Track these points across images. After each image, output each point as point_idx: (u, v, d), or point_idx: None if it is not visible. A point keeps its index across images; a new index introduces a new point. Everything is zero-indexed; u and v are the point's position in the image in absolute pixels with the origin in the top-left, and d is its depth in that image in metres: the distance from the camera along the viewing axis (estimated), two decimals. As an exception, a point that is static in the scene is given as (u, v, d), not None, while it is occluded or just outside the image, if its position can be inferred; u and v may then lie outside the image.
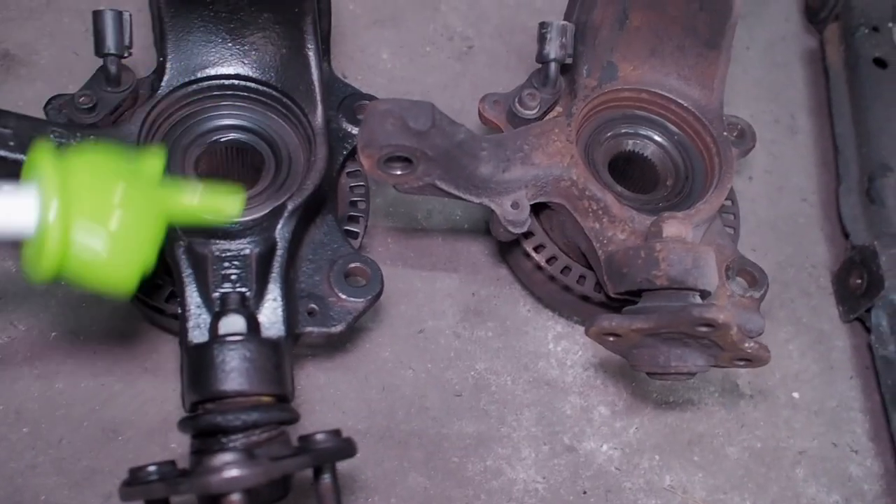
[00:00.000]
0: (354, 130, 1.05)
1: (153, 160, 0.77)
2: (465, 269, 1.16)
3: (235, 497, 0.68)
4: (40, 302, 1.03)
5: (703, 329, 0.85)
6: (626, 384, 1.12)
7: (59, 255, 0.67)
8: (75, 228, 0.67)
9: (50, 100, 0.96)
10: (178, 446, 0.97)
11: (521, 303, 1.15)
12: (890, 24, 1.41)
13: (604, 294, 1.03)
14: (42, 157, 0.68)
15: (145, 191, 0.73)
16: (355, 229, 1.02)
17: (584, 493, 1.04)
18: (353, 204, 1.04)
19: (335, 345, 1.06)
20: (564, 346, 1.13)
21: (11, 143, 0.84)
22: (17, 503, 0.92)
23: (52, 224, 0.66)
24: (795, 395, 1.16)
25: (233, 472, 0.68)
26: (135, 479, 0.75)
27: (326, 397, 1.04)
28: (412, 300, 1.12)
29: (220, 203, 0.78)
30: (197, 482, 0.69)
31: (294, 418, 0.82)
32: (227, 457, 0.69)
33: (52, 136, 0.87)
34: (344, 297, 0.93)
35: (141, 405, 0.99)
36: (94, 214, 0.68)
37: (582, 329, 1.12)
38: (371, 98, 1.08)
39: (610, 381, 1.12)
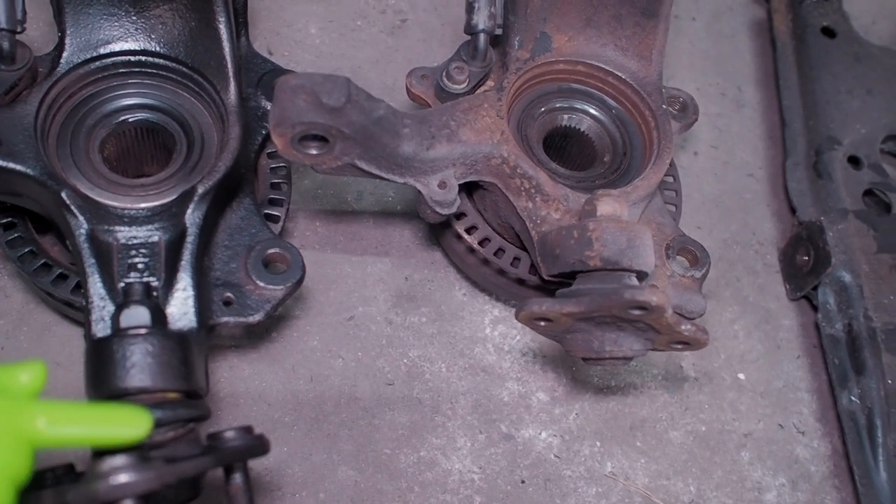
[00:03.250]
0: (274, 109, 0.99)
1: (28, 373, 0.63)
2: (397, 252, 1.11)
3: (129, 503, 0.63)
4: (-59, 296, 0.97)
5: (637, 312, 0.81)
6: (565, 369, 1.08)
7: None
8: None
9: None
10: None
11: (455, 287, 1.10)
12: (838, -7, 1.38)
13: (539, 277, 0.99)
14: None
15: (7, 413, 0.58)
16: (276, 213, 0.97)
17: (523, 482, 1.00)
18: (275, 186, 0.98)
19: (258, 335, 1.01)
20: (501, 331, 1.09)
21: None
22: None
23: None
24: (741, 376, 1.12)
25: (121, 478, 0.62)
26: (32, 484, 0.69)
27: (251, 389, 0.99)
28: (341, 286, 1.07)
29: (120, 427, 0.63)
30: (84, 489, 0.63)
31: (203, 415, 0.77)
32: (116, 460, 0.63)
33: None
34: (262, 284, 0.88)
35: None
36: None
37: (520, 313, 1.09)
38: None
39: (549, 366, 1.08)
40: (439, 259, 1.11)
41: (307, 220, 1.10)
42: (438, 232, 1.08)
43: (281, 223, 0.96)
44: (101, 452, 0.71)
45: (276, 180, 0.99)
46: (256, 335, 1.01)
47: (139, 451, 0.66)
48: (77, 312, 0.91)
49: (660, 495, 1.03)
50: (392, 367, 1.04)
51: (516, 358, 1.07)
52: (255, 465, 0.92)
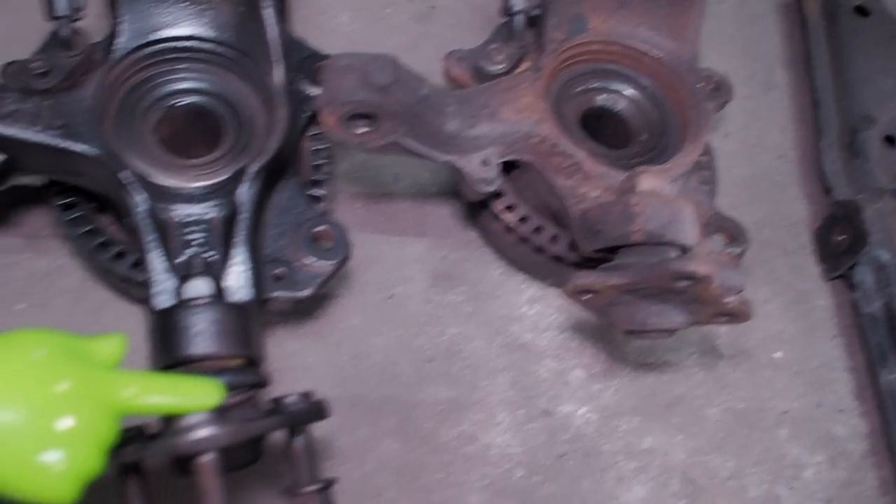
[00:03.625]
0: (315, 92, 1.00)
1: (110, 345, 0.66)
2: (434, 233, 1.13)
3: (207, 457, 0.66)
4: (4, 274, 1.00)
5: (684, 283, 0.82)
6: (602, 346, 1.09)
7: None
8: (3, 432, 0.56)
9: (5, 66, 0.92)
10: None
11: (492, 266, 1.12)
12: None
13: (578, 254, 1.01)
14: None
15: (97, 383, 0.61)
16: (320, 193, 0.99)
17: (562, 456, 1.02)
18: (317, 168, 1.01)
19: (304, 311, 1.04)
20: (538, 310, 1.10)
21: None
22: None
23: None
24: (777, 355, 1.14)
25: (204, 432, 0.66)
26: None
27: (297, 364, 1.02)
28: (381, 266, 1.09)
29: (196, 397, 0.67)
30: (167, 443, 0.67)
31: (264, 381, 0.80)
32: (196, 417, 0.66)
33: (6, 101, 0.84)
34: (311, 260, 0.90)
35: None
36: (29, 416, 0.57)
37: (556, 292, 1.11)
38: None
39: (586, 343, 1.09)
40: (475, 239, 1.13)
41: (346, 203, 1.12)
42: (475, 212, 1.10)
43: (324, 203, 0.99)
44: (170, 416, 0.75)
45: (318, 162, 1.01)
46: (301, 313, 1.04)
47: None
48: (134, 288, 0.93)
49: (698, 471, 1.04)
50: (431, 345, 1.06)
51: (553, 336, 1.09)
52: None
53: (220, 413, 0.68)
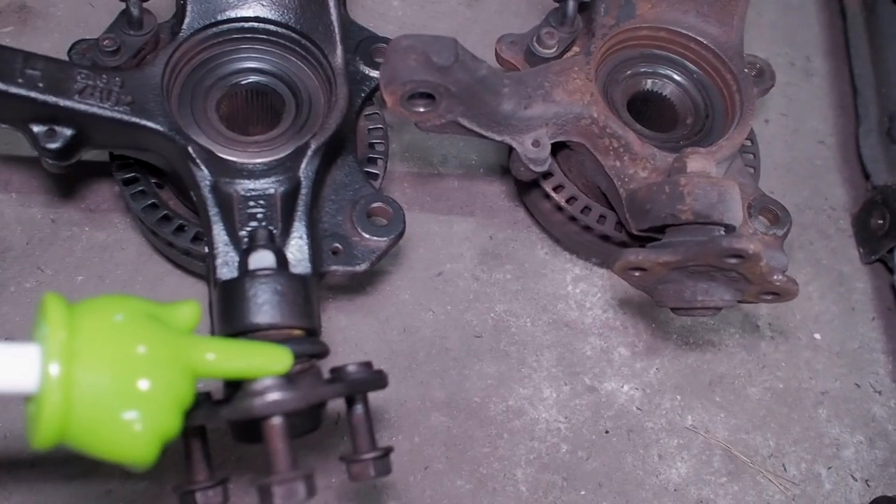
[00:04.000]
0: (372, 73, 1.04)
1: (186, 311, 0.67)
2: (481, 212, 1.16)
3: (277, 420, 0.69)
4: (65, 247, 1.03)
5: (733, 261, 0.84)
6: (645, 326, 1.12)
7: (60, 423, 0.57)
8: (86, 392, 0.57)
9: (73, 44, 0.95)
10: (204, 385, 0.97)
11: (538, 245, 1.15)
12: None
13: (624, 233, 1.03)
14: (50, 307, 0.59)
15: (176, 348, 0.63)
16: (375, 171, 1.02)
17: (607, 432, 1.05)
18: (372, 146, 1.03)
19: (356, 286, 1.06)
20: (583, 288, 1.13)
21: (41, 85, 0.84)
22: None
23: (53, 388, 0.56)
24: (816, 336, 1.16)
25: (275, 396, 0.68)
26: None
27: (348, 339, 1.04)
28: (430, 244, 1.12)
29: (267, 362, 0.69)
30: (239, 406, 0.69)
31: (324, 351, 0.83)
32: (268, 381, 0.69)
33: (78, 77, 0.86)
34: (367, 236, 0.93)
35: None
36: (111, 377, 0.59)
37: (600, 271, 1.14)
38: (387, 41, 1.06)
39: (629, 322, 1.12)
40: (522, 219, 1.16)
41: (396, 182, 1.15)
42: (523, 192, 1.12)
43: (379, 180, 1.01)
44: (234, 383, 0.78)
45: (373, 141, 1.03)
46: (352, 289, 1.07)
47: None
48: (193, 261, 0.96)
49: (739, 448, 1.06)
50: (479, 321, 1.08)
51: (597, 314, 1.12)
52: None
53: (287, 379, 0.71)
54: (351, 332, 1.05)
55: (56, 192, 1.07)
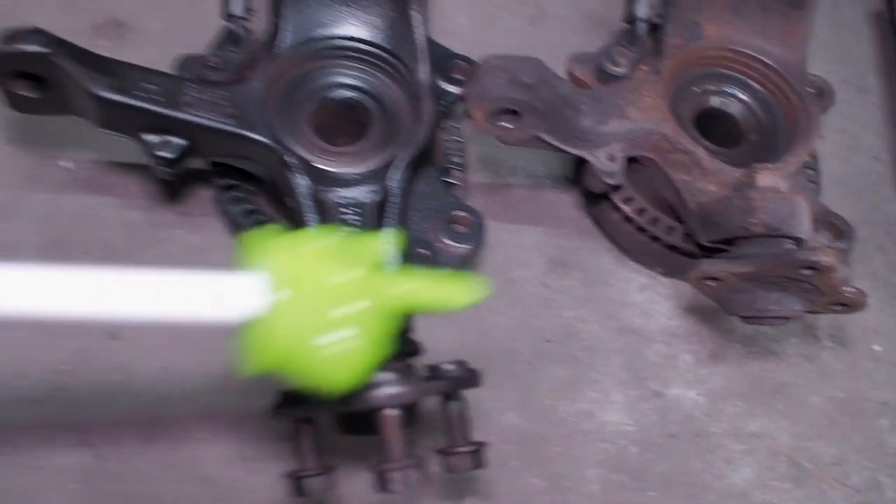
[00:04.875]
0: (449, 88, 1.09)
1: (378, 244, 0.71)
2: (549, 222, 1.21)
3: (392, 412, 0.74)
4: (161, 248, 1.09)
5: (807, 272, 0.89)
6: (709, 334, 1.16)
7: (273, 350, 0.61)
8: (295, 321, 0.61)
9: (179, 59, 1.01)
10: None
11: (604, 255, 1.19)
12: (961, -15, 1.43)
13: (692, 244, 1.08)
14: (257, 243, 0.63)
15: (372, 279, 0.66)
16: (455, 181, 1.07)
17: (673, 436, 1.09)
18: (452, 158, 1.09)
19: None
20: (648, 297, 1.17)
21: (157, 98, 0.90)
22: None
23: (267, 317, 0.60)
24: (876, 347, 1.19)
25: (393, 389, 0.74)
26: (285, 400, 0.81)
27: (425, 341, 1.09)
28: (500, 251, 1.17)
29: (458, 292, 0.71)
30: (358, 398, 0.74)
31: (420, 350, 0.88)
32: (385, 376, 0.75)
33: (189, 91, 0.92)
34: (451, 242, 0.98)
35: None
36: (315, 303, 0.62)
37: (665, 280, 1.18)
38: (463, 58, 1.12)
39: (693, 330, 1.16)
40: (588, 229, 1.20)
41: (468, 192, 1.20)
42: (591, 203, 1.17)
43: (460, 190, 1.06)
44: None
45: (451, 153, 1.09)
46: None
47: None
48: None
49: (803, 455, 1.10)
50: (549, 326, 1.13)
51: (662, 322, 1.16)
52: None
53: (400, 375, 0.76)
54: (428, 335, 1.09)
55: (153, 197, 1.13)
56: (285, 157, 0.94)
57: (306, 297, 0.62)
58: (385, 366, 0.82)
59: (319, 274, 0.64)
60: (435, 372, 0.85)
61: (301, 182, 0.94)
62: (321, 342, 0.62)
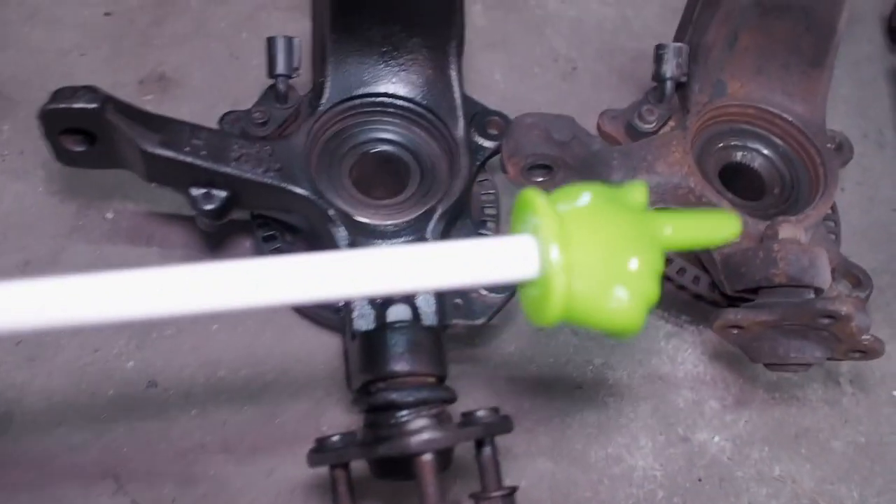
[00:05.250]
0: (484, 143, 1.14)
1: (637, 191, 0.71)
2: (578, 272, 1.24)
3: (429, 457, 0.78)
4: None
5: (826, 321, 0.92)
6: (734, 380, 1.19)
7: (565, 302, 0.62)
8: (583, 272, 0.63)
9: (224, 115, 1.07)
10: (329, 428, 1.07)
11: (632, 304, 1.23)
12: (975, 44, 1.48)
13: (717, 293, 1.11)
14: (536, 201, 0.64)
15: (642, 224, 0.68)
16: (487, 232, 1.11)
17: (700, 480, 1.11)
18: (484, 210, 1.13)
19: (467, 339, 1.15)
20: (674, 344, 1.21)
21: (204, 153, 0.95)
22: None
23: (558, 271, 0.62)
24: (895, 393, 1.22)
25: (430, 434, 0.77)
26: (322, 447, 0.85)
27: (458, 388, 1.11)
28: (532, 300, 1.21)
29: (718, 227, 0.73)
30: (396, 444, 0.78)
31: (454, 397, 0.91)
32: (422, 422, 0.78)
33: (234, 146, 0.97)
34: (485, 292, 1.02)
35: (295, 391, 1.09)
36: (601, 257, 0.64)
37: (691, 328, 1.21)
38: (499, 114, 1.17)
39: (719, 377, 1.19)
40: (616, 279, 1.24)
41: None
42: (619, 254, 1.21)
43: (493, 241, 1.11)
44: (375, 424, 0.86)
45: (485, 205, 1.14)
46: (462, 340, 1.16)
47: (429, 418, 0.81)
48: (323, 313, 1.06)
49: (825, 498, 1.12)
50: (579, 373, 1.16)
51: (689, 369, 1.19)
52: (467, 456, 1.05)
53: (436, 421, 0.80)
54: (461, 382, 1.13)
55: (193, 247, 1.18)
56: (327, 210, 0.99)
57: (594, 247, 0.64)
58: (420, 412, 0.86)
59: (601, 224, 0.66)
60: (469, 418, 0.88)
61: (341, 234, 0.98)
62: (614, 291, 0.64)
